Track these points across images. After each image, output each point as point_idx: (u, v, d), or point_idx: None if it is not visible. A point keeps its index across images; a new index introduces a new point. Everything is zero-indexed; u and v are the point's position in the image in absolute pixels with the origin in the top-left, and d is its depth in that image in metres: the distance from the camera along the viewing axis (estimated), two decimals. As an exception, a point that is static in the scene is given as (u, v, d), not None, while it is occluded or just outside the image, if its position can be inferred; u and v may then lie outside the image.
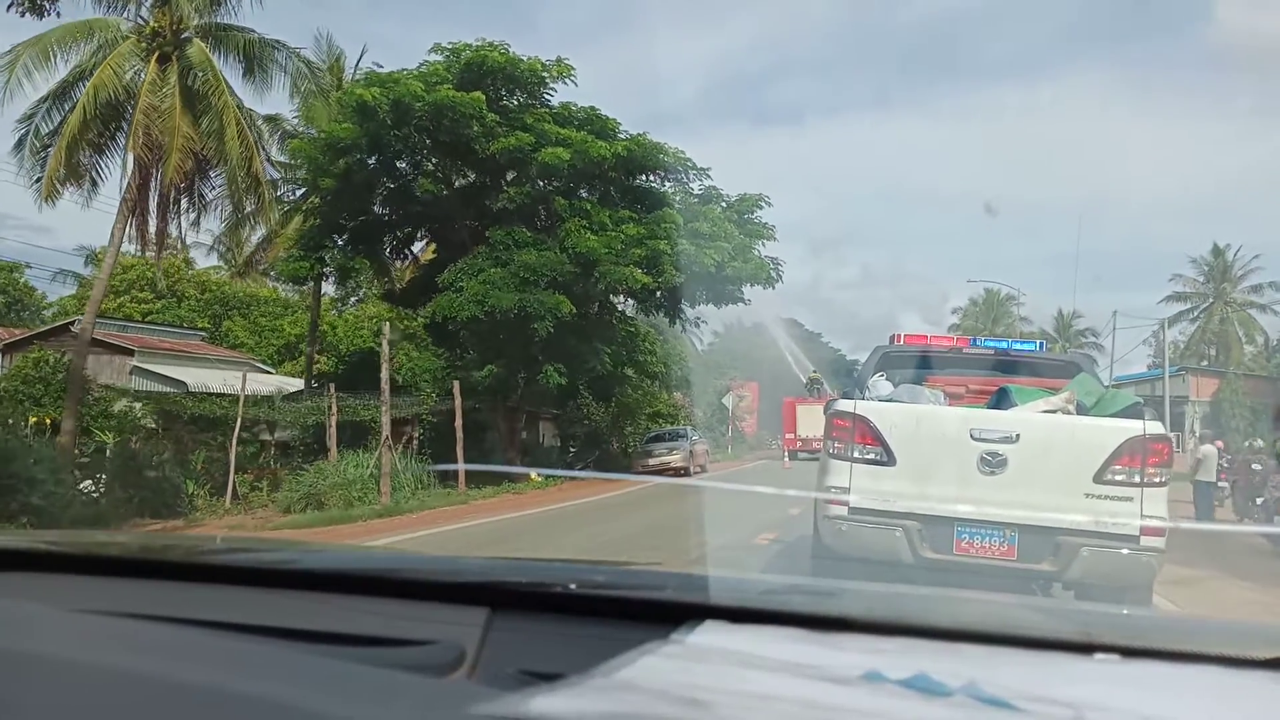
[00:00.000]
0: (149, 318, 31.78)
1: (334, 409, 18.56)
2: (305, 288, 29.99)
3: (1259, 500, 16.72)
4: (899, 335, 7.61)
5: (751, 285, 23.86)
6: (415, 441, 21.52)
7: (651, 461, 26.56)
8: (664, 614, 1.07)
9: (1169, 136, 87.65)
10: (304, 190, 24.30)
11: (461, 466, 18.74)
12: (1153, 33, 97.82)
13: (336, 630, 1.07)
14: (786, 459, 35.57)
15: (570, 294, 20.88)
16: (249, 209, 21.87)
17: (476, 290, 20.11)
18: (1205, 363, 47.94)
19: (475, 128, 20.03)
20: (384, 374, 17.44)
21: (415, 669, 0.95)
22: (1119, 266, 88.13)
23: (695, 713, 0.73)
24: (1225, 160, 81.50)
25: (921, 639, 0.99)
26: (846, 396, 6.24)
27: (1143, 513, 5.28)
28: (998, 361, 7.19)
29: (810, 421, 41.50)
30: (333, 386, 19.75)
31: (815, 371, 49.88)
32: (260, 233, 27.39)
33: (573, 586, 1.17)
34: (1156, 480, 5.33)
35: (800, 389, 48.07)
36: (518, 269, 20.22)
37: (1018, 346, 7.68)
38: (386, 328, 18.81)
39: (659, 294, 23.33)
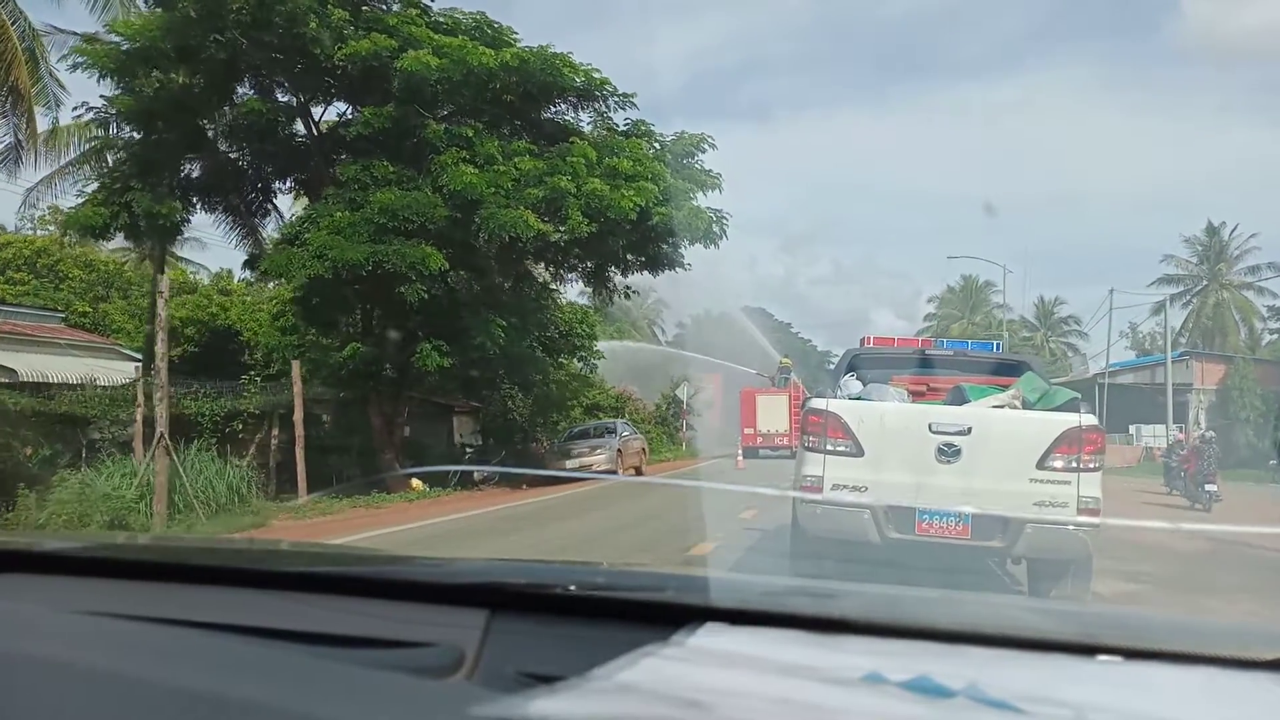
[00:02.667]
0: (18, 299, 27.17)
1: (140, 399, 14.16)
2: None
3: (1208, 487, 17.67)
4: (869, 338, 8.48)
5: (690, 243, 18.95)
6: (275, 442, 17.28)
7: (570, 463, 21.86)
8: (664, 616, 1.06)
9: (1143, 132, 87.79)
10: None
11: (303, 483, 14.74)
12: (1127, 29, 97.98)
13: (336, 632, 1.07)
14: (740, 458, 30.11)
15: (449, 247, 16.57)
16: (22, 140, 17.40)
17: (321, 242, 15.62)
18: (1183, 349, 43.49)
19: (314, 25, 15.28)
20: (159, 346, 12.80)
21: (415, 671, 0.95)
22: (1095, 261, 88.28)
23: (695, 714, 0.72)
24: (1200, 157, 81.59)
25: (923, 641, 0.99)
26: (820, 395, 6.92)
27: (1079, 494, 5.90)
28: (956, 361, 7.89)
29: (772, 415, 37.70)
30: (138, 369, 15.84)
31: (786, 358, 44.25)
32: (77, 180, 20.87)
33: (572, 588, 1.17)
34: (1091, 466, 5.96)
35: (764, 380, 42.75)
36: (373, 213, 15.78)
37: (974, 348, 8.50)
38: (165, 282, 14.04)
39: (573, 252, 19.21)
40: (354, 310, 18.53)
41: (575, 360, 25.48)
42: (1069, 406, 6.47)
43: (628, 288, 21.96)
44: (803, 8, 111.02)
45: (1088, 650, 0.97)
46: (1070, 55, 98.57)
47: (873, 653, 0.94)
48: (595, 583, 1.25)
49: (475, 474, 19.48)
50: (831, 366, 9.39)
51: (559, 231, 16.96)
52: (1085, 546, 6.05)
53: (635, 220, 17.09)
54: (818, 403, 6.56)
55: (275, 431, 17.43)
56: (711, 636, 1.01)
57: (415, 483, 16.95)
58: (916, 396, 7.52)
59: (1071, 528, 5.94)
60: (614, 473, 21.78)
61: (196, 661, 0.82)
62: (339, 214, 16.02)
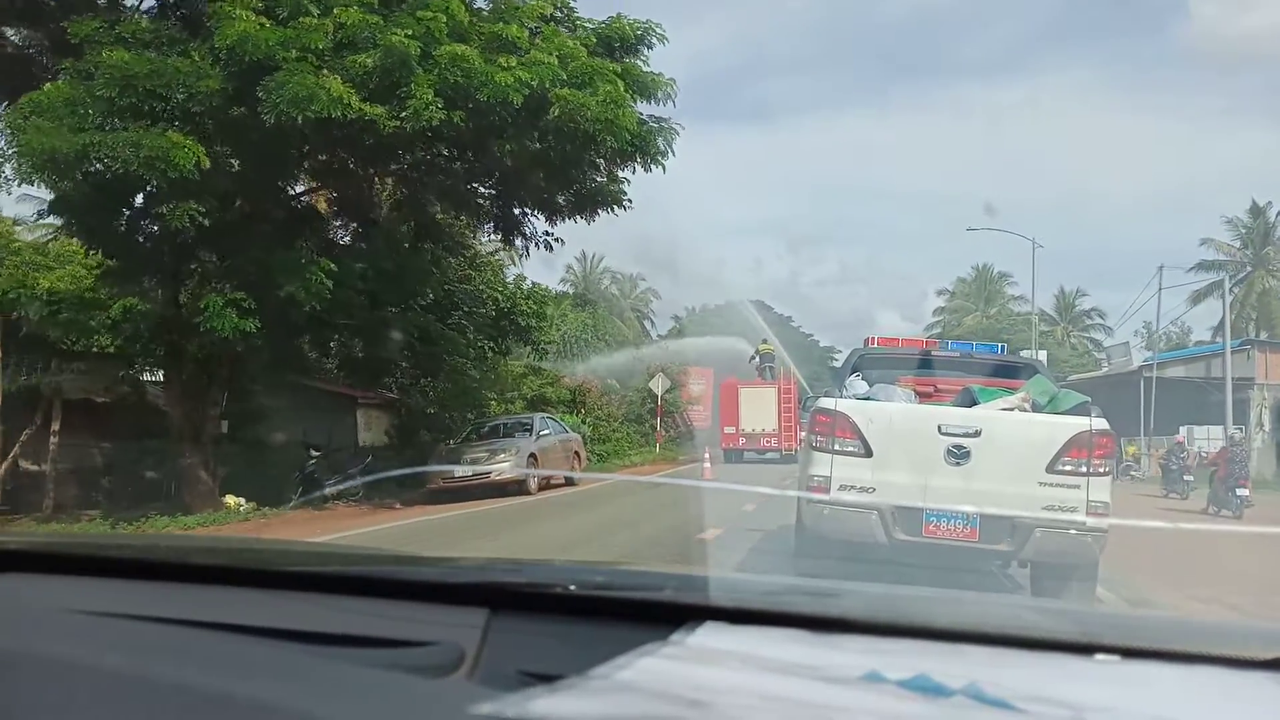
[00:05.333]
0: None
1: None
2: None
3: (1239, 492, 16.86)
4: (873, 338, 8.47)
5: (620, 158, 13.47)
6: (54, 441, 13.18)
7: (460, 471, 16.08)
8: (664, 615, 1.07)
9: (1151, 134, 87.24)
10: None
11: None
12: (1134, 29, 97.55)
13: (336, 631, 1.07)
14: (709, 464, 23.67)
15: (243, 144, 11.65)
16: None
17: (20, 129, 10.59)
18: (1241, 339, 34.58)
19: None
20: None
21: (415, 670, 0.95)
22: (1102, 264, 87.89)
23: (695, 713, 0.73)
24: (1210, 160, 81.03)
25: (922, 640, 0.99)
26: (827, 395, 6.95)
27: (1088, 499, 5.94)
28: (962, 363, 7.91)
29: (758, 411, 32.15)
30: None
31: (766, 343, 37.43)
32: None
33: (572, 587, 1.17)
34: (1101, 470, 6.03)
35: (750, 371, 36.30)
36: (104, 85, 10.63)
37: (981, 349, 8.55)
38: None
39: (441, 163, 14.02)
40: (119, 243, 13.02)
41: (524, 345, 21.52)
42: (1079, 410, 6.48)
43: (548, 234, 16.11)
44: (806, 8, 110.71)
45: (1086, 649, 0.97)
46: (1076, 56, 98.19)
47: (872, 652, 0.94)
48: (595, 582, 1.25)
49: (328, 489, 15.02)
50: (835, 363, 9.62)
51: (393, 115, 11.20)
52: (1093, 551, 6.05)
53: (524, 110, 11.67)
54: (826, 402, 6.61)
55: (55, 427, 12.88)
56: (711, 636, 1.01)
57: (230, 499, 13.41)
58: (923, 398, 7.55)
59: (1075, 532, 5.97)
60: (524, 485, 16.48)
61: (196, 660, 0.82)
62: (49, 87, 10.93)
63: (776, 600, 1.23)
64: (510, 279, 22.26)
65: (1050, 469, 5.96)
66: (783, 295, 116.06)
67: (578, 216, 15.43)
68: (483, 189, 15.36)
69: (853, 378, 7.34)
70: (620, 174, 14.47)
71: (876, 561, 6.23)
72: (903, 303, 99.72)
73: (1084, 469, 5.95)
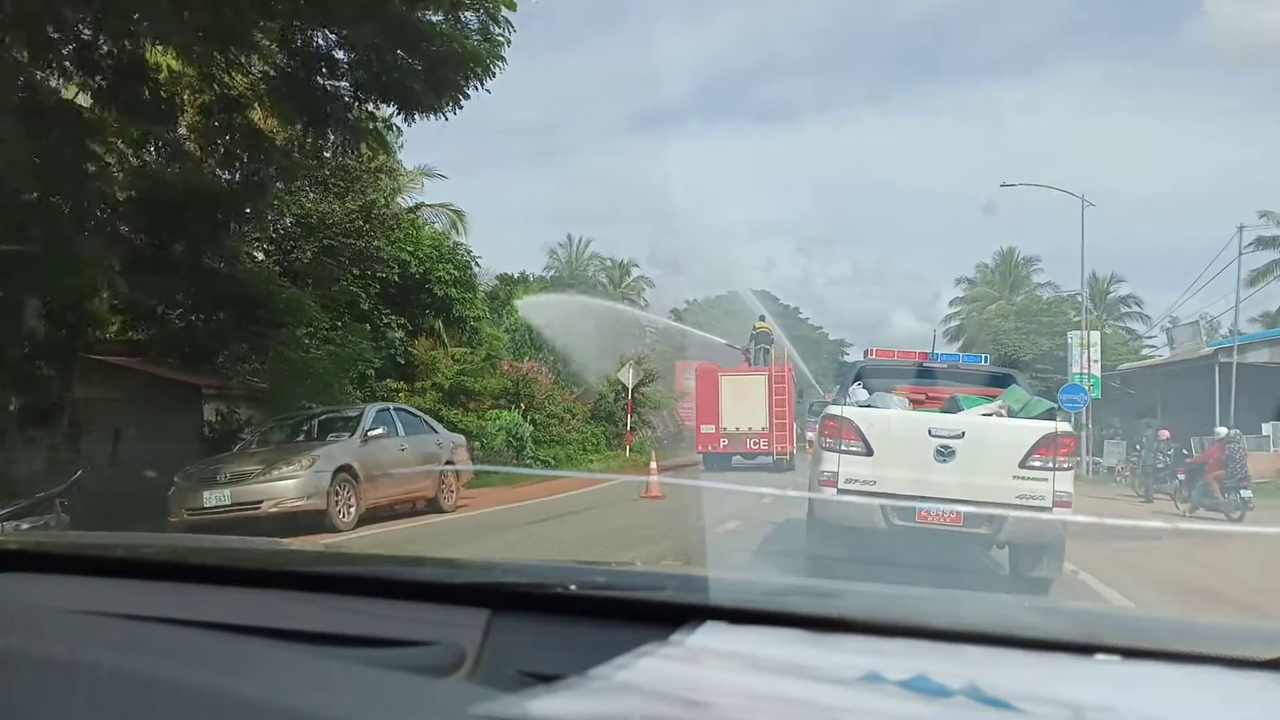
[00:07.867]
0: None
1: None
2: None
3: (1243, 494, 16.09)
4: (872, 350, 9.87)
5: (455, 11, 9.79)
6: None
7: (210, 495, 10.20)
8: (664, 615, 1.07)
9: (1163, 133, 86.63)
10: None
11: None
12: (1146, 28, 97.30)
13: (337, 631, 1.07)
14: (655, 477, 15.54)
15: None
16: None
17: None
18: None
19: None
20: None
21: (416, 670, 0.95)
22: (1118, 265, 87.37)
23: (695, 713, 0.73)
24: (1224, 157, 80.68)
25: (922, 640, 0.99)
26: (835, 403, 8.00)
27: (1054, 489, 6.90)
28: (950, 373, 9.00)
29: (744, 404, 25.51)
30: None
31: (763, 320, 31.35)
32: None
33: (573, 587, 1.18)
34: (1064, 466, 7.05)
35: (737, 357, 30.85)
36: None
37: (967, 360, 9.78)
38: None
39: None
40: None
41: (439, 319, 17.75)
42: (1047, 415, 7.68)
43: (372, 116, 11.53)
44: (818, 9, 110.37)
45: (1086, 650, 0.97)
46: (1088, 56, 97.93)
47: (872, 652, 0.94)
48: (595, 582, 1.25)
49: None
50: (846, 357, 10.90)
51: None
52: (1058, 533, 7.09)
53: None
54: (834, 409, 7.67)
55: None
56: (711, 635, 1.01)
57: None
58: (917, 404, 8.56)
59: (1043, 517, 6.94)
60: (324, 514, 10.42)
61: (196, 660, 0.82)
62: None
63: (776, 600, 1.23)
64: (474, 257, 18.53)
65: (1022, 465, 6.93)
66: (795, 295, 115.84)
67: (441, 105, 10.70)
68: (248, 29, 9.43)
69: (855, 386, 8.33)
70: (491, 28, 10.45)
71: (878, 562, 7.02)
72: (917, 302, 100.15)
73: (1051, 465, 6.92)
